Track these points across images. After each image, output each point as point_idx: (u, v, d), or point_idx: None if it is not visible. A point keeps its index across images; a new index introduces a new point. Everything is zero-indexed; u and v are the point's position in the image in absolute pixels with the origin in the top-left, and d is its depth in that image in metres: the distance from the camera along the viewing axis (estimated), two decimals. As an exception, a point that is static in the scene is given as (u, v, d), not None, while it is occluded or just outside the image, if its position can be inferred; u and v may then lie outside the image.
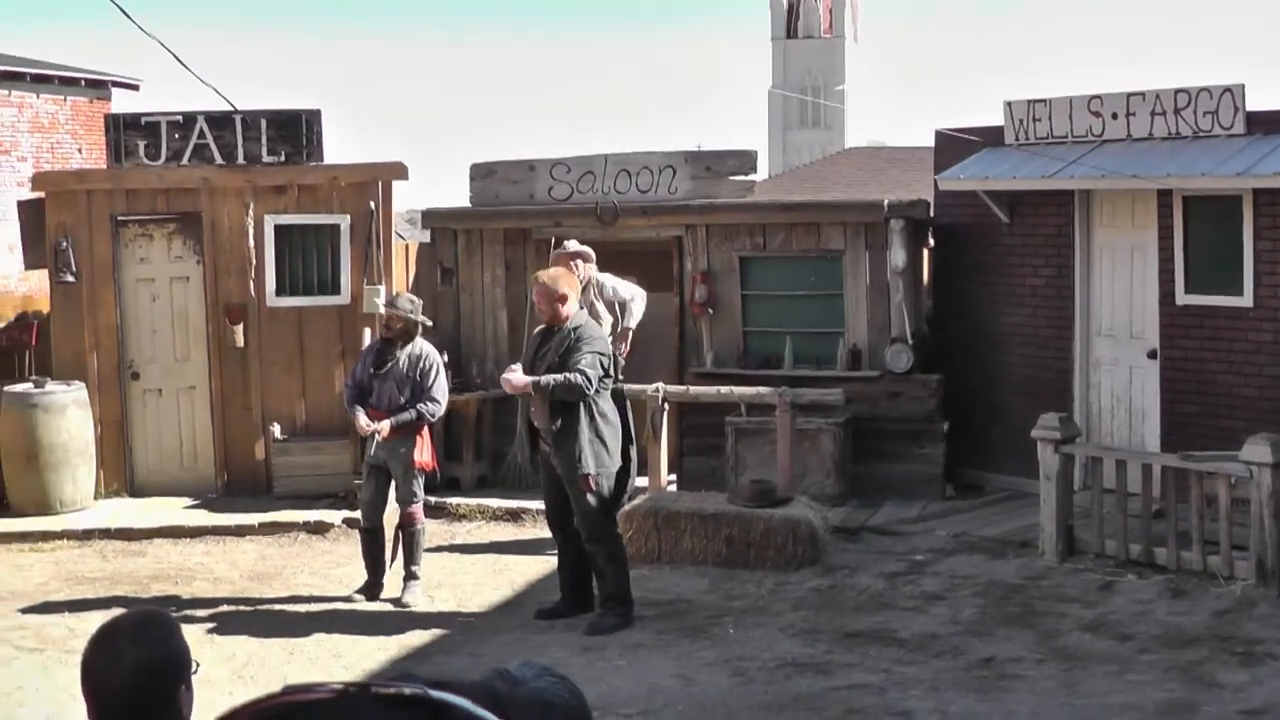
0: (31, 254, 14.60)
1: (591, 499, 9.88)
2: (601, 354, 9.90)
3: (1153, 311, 13.00)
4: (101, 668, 3.31)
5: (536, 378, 9.80)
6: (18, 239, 15.18)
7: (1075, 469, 11.93)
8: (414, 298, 11.37)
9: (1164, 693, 8.51)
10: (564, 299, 9.97)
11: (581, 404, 9.78)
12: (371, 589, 10.92)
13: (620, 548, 10.32)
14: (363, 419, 10.64)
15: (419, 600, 10.78)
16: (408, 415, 10.66)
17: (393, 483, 10.91)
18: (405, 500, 10.88)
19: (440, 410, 10.99)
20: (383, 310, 11.85)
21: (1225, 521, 10.44)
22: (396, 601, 10.74)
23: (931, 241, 14.80)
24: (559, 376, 9.70)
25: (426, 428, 10.98)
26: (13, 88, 26.36)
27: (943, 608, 10.44)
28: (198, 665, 3.43)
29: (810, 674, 8.99)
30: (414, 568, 10.91)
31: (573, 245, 12.53)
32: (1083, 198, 13.43)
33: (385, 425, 10.62)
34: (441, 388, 10.89)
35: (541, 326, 10.33)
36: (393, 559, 11.00)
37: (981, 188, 13.73)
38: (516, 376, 9.86)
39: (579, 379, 9.68)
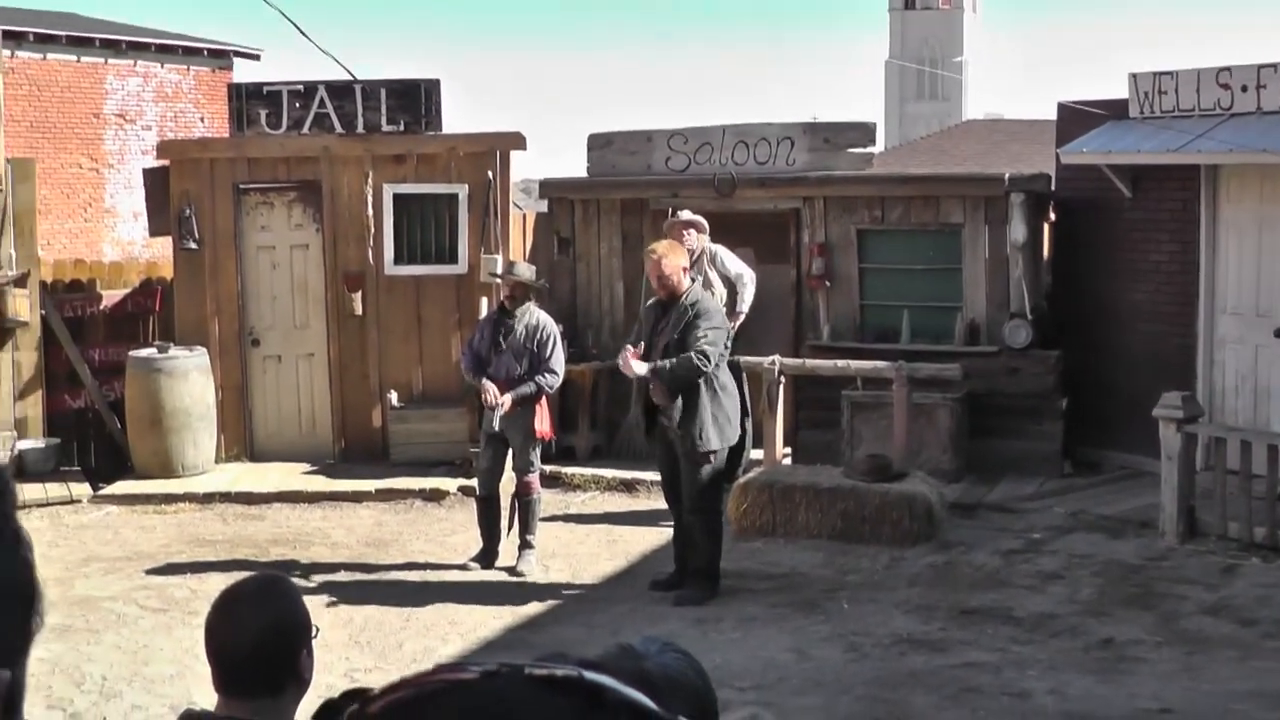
0: (156, 221, 14.80)
1: (706, 471, 9.88)
2: (721, 329, 9.86)
3: (1280, 289, 12.74)
4: (225, 631, 3.36)
5: (655, 364, 9.75)
6: (143, 206, 15.41)
7: (1198, 449, 11.72)
8: (528, 264, 11.41)
9: (1290, 679, 8.35)
10: (679, 272, 9.93)
11: (703, 379, 9.75)
12: (486, 557, 10.98)
13: (720, 524, 10.28)
14: (492, 391, 10.62)
15: (533, 569, 10.83)
16: (528, 389, 10.67)
17: (510, 451, 10.96)
18: (522, 469, 10.92)
19: (558, 381, 11.01)
20: (499, 278, 11.85)
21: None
22: (511, 570, 10.80)
23: (1052, 216, 14.59)
24: (678, 362, 9.65)
25: (545, 397, 11.01)
26: (138, 58, 26.81)
27: (1060, 587, 10.32)
28: (318, 630, 3.48)
29: (925, 651, 8.92)
30: (529, 537, 10.95)
31: (686, 215, 12.50)
32: (1209, 172, 13.17)
33: (508, 400, 10.62)
34: (559, 359, 10.89)
35: (654, 299, 10.29)
36: (509, 528, 11.04)
37: (1105, 161, 13.51)
38: (636, 365, 9.81)
39: (699, 360, 9.62)
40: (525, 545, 10.93)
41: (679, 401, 9.73)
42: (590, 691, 1.53)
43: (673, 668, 2.40)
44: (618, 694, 1.53)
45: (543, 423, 10.91)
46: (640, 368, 9.79)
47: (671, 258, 9.98)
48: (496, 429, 10.76)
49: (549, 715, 1.51)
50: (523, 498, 10.97)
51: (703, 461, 9.82)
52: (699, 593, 10.04)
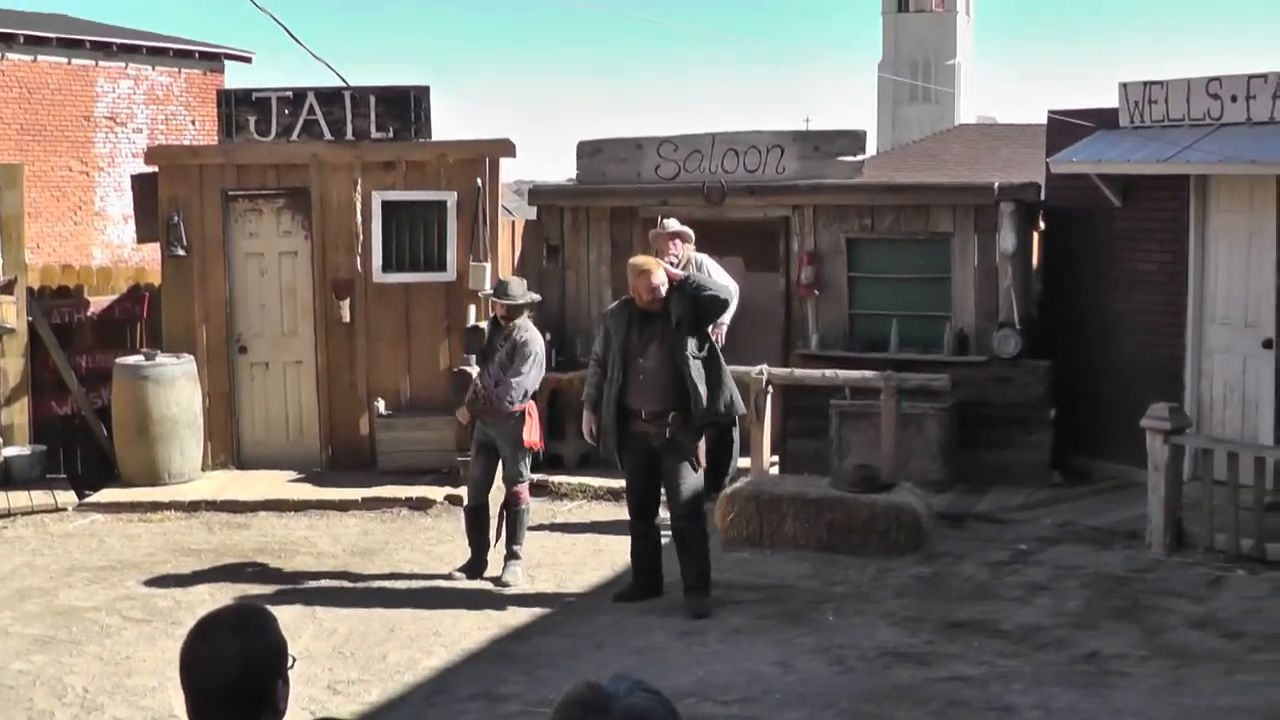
0: (144, 227, 14.77)
1: (698, 475, 9.91)
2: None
3: (1269, 300, 12.69)
4: (201, 662, 3.32)
5: (686, 273, 9.93)
6: (133, 209, 15.38)
7: (1185, 460, 11.70)
8: (520, 280, 11.36)
9: (1277, 694, 8.31)
10: (662, 282, 9.89)
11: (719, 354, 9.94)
12: (474, 567, 10.95)
13: (706, 526, 10.27)
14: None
15: (519, 580, 10.79)
16: (497, 395, 10.72)
17: (500, 461, 10.93)
18: (512, 479, 10.89)
19: (511, 397, 10.75)
20: (491, 295, 11.72)
21: (1340, 517, 10.20)
22: (496, 581, 10.76)
23: (1042, 225, 14.57)
24: (703, 277, 9.82)
25: (534, 407, 10.97)
26: (129, 60, 26.78)
27: (1047, 599, 10.27)
28: (294, 659, 3.45)
29: (911, 664, 8.87)
30: (515, 547, 10.92)
31: (672, 225, 12.46)
32: (1199, 182, 13.15)
33: (463, 413, 10.87)
34: (527, 378, 10.76)
35: (624, 303, 10.22)
36: (496, 538, 11.02)
37: (1095, 171, 13.50)
38: (673, 271, 10.08)
39: (721, 289, 9.93)
40: (511, 556, 10.90)
41: (700, 373, 9.73)
42: None
43: (643, 709, 2.41)
44: None
45: (532, 433, 10.87)
46: (676, 273, 9.99)
47: (652, 267, 9.95)
48: (484, 434, 10.74)
49: None
50: (511, 508, 10.93)
51: (697, 460, 9.90)
52: (710, 598, 10.01)
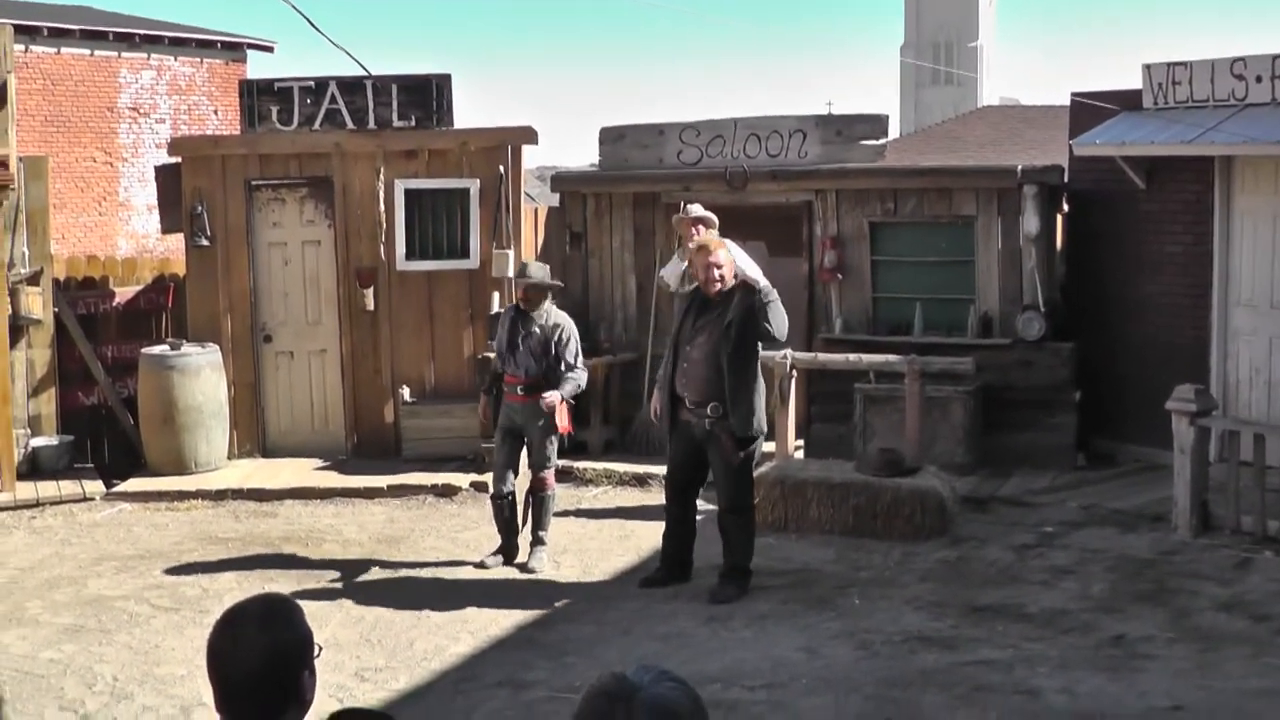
0: (168, 218, 14.82)
1: (743, 464, 9.90)
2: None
3: (1294, 281, 12.67)
4: (227, 652, 3.35)
5: (763, 281, 9.77)
6: (156, 199, 15.42)
7: (1211, 442, 11.64)
8: (541, 264, 11.37)
9: (1303, 677, 8.28)
10: (719, 264, 9.87)
11: (758, 365, 9.83)
12: (506, 554, 10.96)
13: (754, 520, 10.27)
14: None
15: (545, 566, 10.80)
16: (566, 389, 10.70)
17: (525, 446, 10.94)
18: (539, 465, 10.89)
19: (585, 377, 11.00)
20: (513, 280, 11.76)
21: (1367, 499, 10.16)
22: (523, 567, 10.77)
23: (1066, 207, 14.52)
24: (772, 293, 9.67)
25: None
26: (152, 50, 26.84)
27: (1072, 582, 10.23)
28: (320, 649, 3.49)
29: (936, 649, 8.83)
30: (542, 533, 10.93)
31: (695, 210, 12.42)
32: (1223, 164, 13.09)
33: (554, 396, 10.61)
34: (580, 355, 10.88)
35: (692, 290, 10.22)
36: (523, 523, 11.03)
37: (1119, 153, 13.44)
38: (748, 273, 9.89)
39: (780, 320, 9.69)
40: (537, 541, 10.91)
41: (730, 384, 9.69)
42: None
43: (668, 698, 2.45)
44: None
45: (562, 418, 10.87)
46: (755, 270, 9.90)
47: (721, 253, 9.92)
48: (511, 420, 10.74)
49: None
50: (538, 494, 10.93)
51: (741, 451, 9.83)
52: (736, 590, 9.98)
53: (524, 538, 10.99)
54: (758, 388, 9.85)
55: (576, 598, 10.16)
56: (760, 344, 9.93)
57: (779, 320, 9.67)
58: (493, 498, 11.07)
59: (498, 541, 11.09)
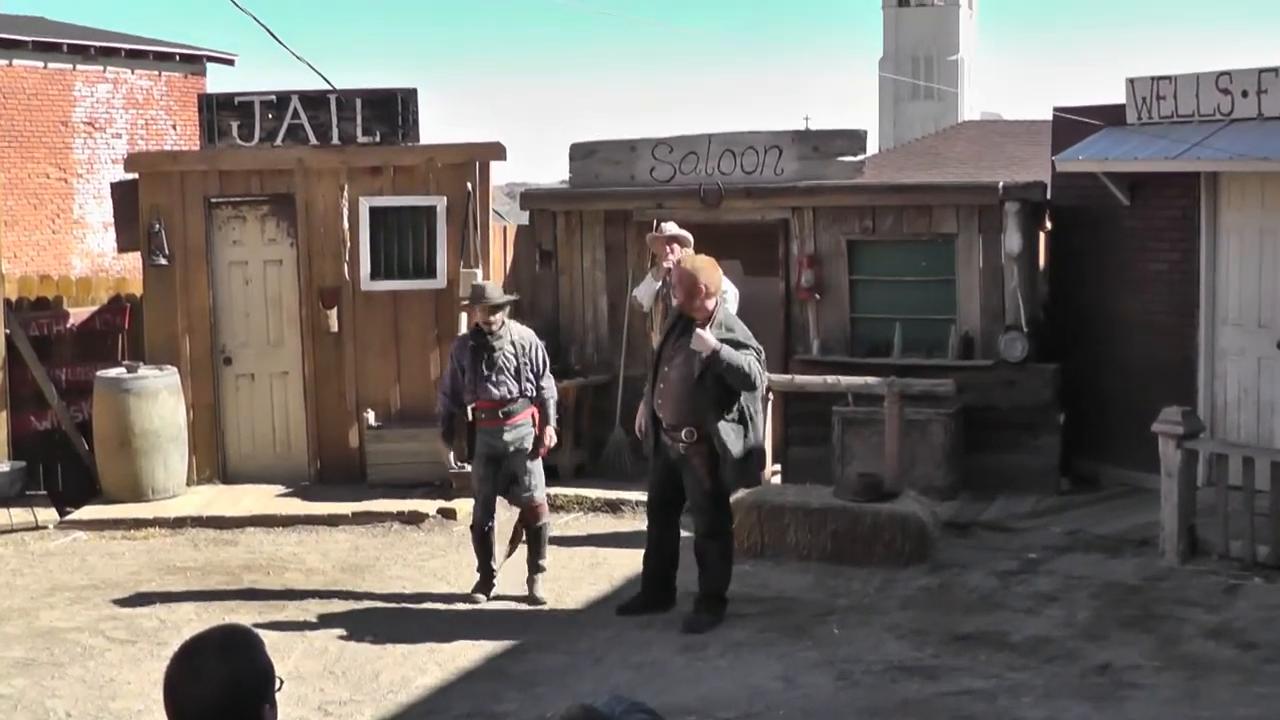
0: (124, 236, 14.56)
1: (720, 490, 9.71)
2: (760, 353, 9.58)
3: (1283, 299, 12.47)
4: (186, 686, 3.27)
5: (720, 345, 9.38)
6: (113, 216, 15.13)
7: (1199, 465, 11.45)
8: (491, 281, 11.18)
9: (1296, 705, 8.08)
10: (709, 293, 9.57)
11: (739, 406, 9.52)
12: (488, 585, 10.64)
13: (732, 546, 10.09)
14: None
15: (547, 594, 10.57)
16: (551, 412, 10.55)
17: (514, 475, 10.59)
18: (533, 493, 10.60)
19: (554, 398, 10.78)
20: (469, 304, 11.32)
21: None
22: (531, 599, 10.48)
23: (1048, 224, 14.37)
24: (744, 360, 9.36)
25: (538, 411, 10.66)
26: (108, 63, 26.55)
27: (1056, 609, 10.08)
28: (282, 682, 3.40)
29: (917, 678, 8.68)
30: (541, 561, 10.69)
31: (670, 228, 12.18)
32: (1209, 179, 12.90)
33: (550, 433, 10.54)
34: (552, 383, 10.74)
35: (675, 315, 9.96)
36: (509, 554, 10.74)
37: (1102, 169, 13.27)
38: (709, 338, 9.41)
39: (754, 373, 9.40)
40: (538, 569, 10.66)
41: (718, 422, 9.44)
42: None
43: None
44: None
45: (545, 436, 10.66)
46: (711, 341, 9.39)
47: (702, 274, 9.61)
48: (495, 448, 10.42)
49: None
50: (532, 525, 10.66)
51: (715, 480, 9.60)
52: (711, 618, 9.78)
53: (519, 568, 10.66)
54: (739, 443, 9.52)
55: (547, 627, 10.00)
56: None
57: (736, 378, 9.39)
58: (476, 527, 10.68)
59: (466, 570, 10.82)
